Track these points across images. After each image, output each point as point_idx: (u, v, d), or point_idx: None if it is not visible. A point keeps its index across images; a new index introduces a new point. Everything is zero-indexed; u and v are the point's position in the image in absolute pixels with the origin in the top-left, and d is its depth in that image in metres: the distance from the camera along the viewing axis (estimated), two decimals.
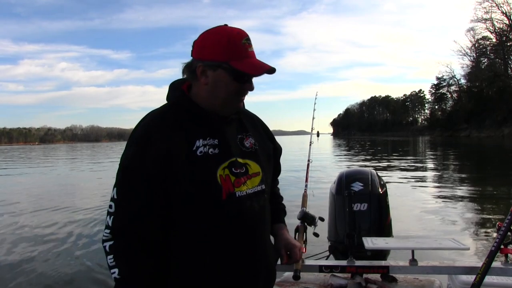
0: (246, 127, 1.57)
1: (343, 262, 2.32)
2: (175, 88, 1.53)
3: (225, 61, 1.39)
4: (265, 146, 1.63)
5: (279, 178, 1.92)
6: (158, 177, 1.34)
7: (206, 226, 1.40)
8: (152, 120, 1.44)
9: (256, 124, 1.66)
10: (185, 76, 1.52)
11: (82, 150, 76.29)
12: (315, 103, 3.83)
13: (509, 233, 2.23)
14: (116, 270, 1.32)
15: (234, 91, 1.43)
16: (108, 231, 1.36)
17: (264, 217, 1.53)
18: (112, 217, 1.35)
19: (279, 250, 1.72)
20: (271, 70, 1.43)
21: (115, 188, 1.38)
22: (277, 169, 1.80)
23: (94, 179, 18.85)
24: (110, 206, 1.37)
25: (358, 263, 2.31)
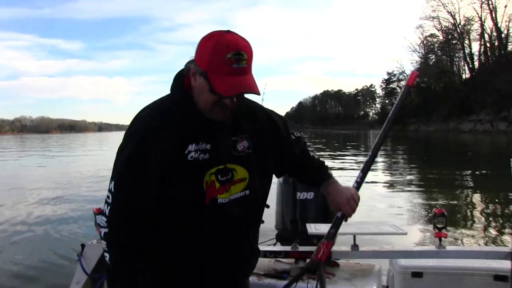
0: (243, 128, 1.51)
1: (287, 248, 2.38)
2: (178, 83, 1.48)
3: (205, 70, 1.34)
4: (263, 146, 1.56)
5: None
6: (152, 176, 1.39)
7: (187, 228, 1.45)
8: (151, 118, 1.44)
9: (258, 124, 1.57)
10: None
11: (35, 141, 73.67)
12: (263, 93, 3.89)
13: (443, 219, 2.36)
14: (107, 255, 1.44)
15: (211, 102, 1.37)
16: (104, 219, 1.43)
17: (244, 221, 1.53)
18: (109, 207, 1.42)
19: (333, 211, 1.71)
20: (250, 93, 1.37)
21: (112, 181, 1.43)
22: (294, 145, 1.71)
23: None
24: (108, 197, 1.43)
25: (302, 248, 2.37)
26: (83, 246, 2.64)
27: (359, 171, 1.80)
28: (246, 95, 1.49)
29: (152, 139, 1.38)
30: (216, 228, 1.46)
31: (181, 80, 1.47)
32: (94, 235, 2.89)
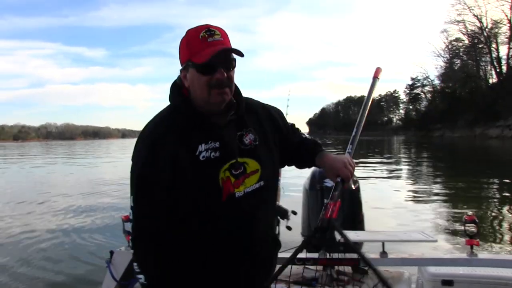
0: (246, 123, 1.58)
1: (315, 255, 2.37)
2: (176, 92, 1.55)
3: (188, 59, 1.45)
4: (267, 139, 1.62)
5: None
6: (167, 183, 1.41)
7: (208, 226, 1.46)
8: (157, 126, 1.50)
9: (259, 117, 1.64)
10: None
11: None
12: (288, 99, 3.91)
13: (474, 225, 2.31)
14: (141, 276, 1.43)
15: (205, 85, 1.44)
16: (131, 238, 1.49)
17: (262, 211, 1.57)
18: (132, 225, 1.47)
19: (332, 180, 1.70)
20: (225, 51, 1.44)
21: (131, 197, 1.46)
22: (292, 133, 1.78)
23: None
24: (130, 214, 1.47)
25: (330, 256, 2.36)
26: (111, 253, 2.67)
27: (349, 143, 1.86)
28: (246, 96, 1.62)
29: (161, 144, 1.42)
30: (233, 222, 1.48)
31: (178, 87, 1.54)
32: (123, 242, 2.93)
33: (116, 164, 27.28)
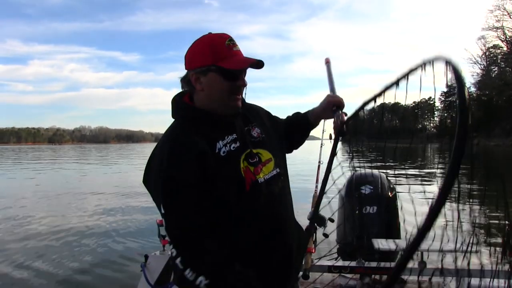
0: (249, 119, 1.65)
1: (352, 263, 2.34)
2: (178, 103, 1.59)
3: (212, 64, 1.46)
4: (271, 131, 1.71)
5: None
6: (195, 182, 1.40)
7: (238, 216, 1.47)
8: (173, 134, 1.52)
9: (258, 114, 1.74)
10: (184, 89, 1.60)
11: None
12: None
13: None
14: (201, 279, 1.33)
15: (227, 90, 1.49)
16: (171, 246, 1.41)
17: (284, 197, 1.61)
18: (169, 232, 1.42)
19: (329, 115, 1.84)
20: (256, 64, 1.50)
21: (161, 204, 1.41)
22: (281, 122, 1.91)
23: None
24: (163, 221, 1.43)
25: (367, 264, 2.32)
26: (146, 257, 2.67)
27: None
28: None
29: (181, 149, 1.43)
30: (261, 209, 1.49)
31: (181, 99, 1.58)
32: (158, 246, 2.95)
33: None
